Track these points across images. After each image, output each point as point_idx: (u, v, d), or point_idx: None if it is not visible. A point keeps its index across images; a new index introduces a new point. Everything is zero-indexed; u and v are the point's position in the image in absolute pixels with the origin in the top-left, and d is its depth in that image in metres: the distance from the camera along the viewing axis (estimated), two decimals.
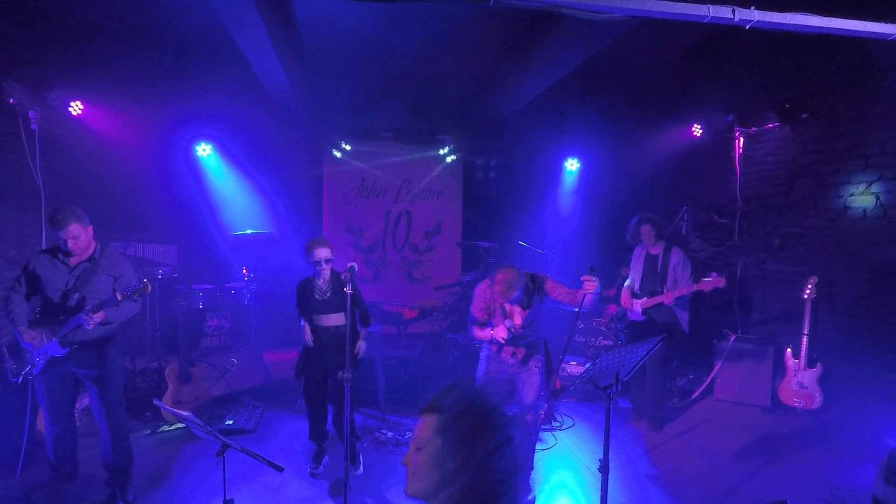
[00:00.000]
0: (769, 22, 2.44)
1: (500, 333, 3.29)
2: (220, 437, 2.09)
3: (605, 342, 5.71)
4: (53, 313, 3.12)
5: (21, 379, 3.10)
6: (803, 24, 2.44)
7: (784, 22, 2.44)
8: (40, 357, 3.09)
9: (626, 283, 4.87)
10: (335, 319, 3.72)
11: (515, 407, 3.44)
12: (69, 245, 3.07)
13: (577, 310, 3.08)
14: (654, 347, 2.50)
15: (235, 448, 2.10)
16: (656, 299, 4.48)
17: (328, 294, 3.71)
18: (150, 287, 3.12)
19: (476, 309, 3.50)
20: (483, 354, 3.62)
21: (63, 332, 3.06)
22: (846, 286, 4.73)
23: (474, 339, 3.54)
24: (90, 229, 3.19)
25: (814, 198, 5.03)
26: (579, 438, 4.47)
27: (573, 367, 5.70)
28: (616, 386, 2.40)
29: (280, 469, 2.04)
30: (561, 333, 6.17)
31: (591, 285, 3.08)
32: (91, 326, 2.99)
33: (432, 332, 5.67)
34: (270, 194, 6.78)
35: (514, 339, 3.40)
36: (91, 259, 3.21)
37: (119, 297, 3.02)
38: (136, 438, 4.24)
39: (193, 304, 5.72)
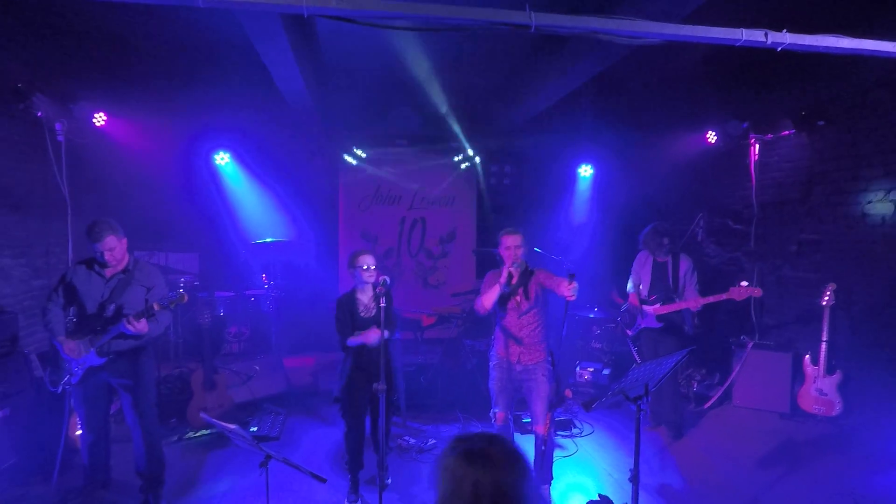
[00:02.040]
0: (801, 45, 2.47)
1: (503, 276, 3.40)
2: (264, 449, 2.15)
3: (622, 348, 5.74)
4: (90, 324, 3.20)
5: (60, 389, 3.18)
6: (835, 45, 2.47)
7: (815, 45, 2.47)
8: (78, 367, 3.16)
9: (629, 287, 4.89)
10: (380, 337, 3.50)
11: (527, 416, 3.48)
12: (105, 256, 3.15)
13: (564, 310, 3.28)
14: (682, 359, 2.54)
15: (278, 459, 2.16)
16: (677, 305, 4.49)
17: (373, 311, 3.52)
18: (186, 297, 3.21)
19: (483, 289, 3.58)
20: (492, 364, 3.65)
21: (102, 342, 3.13)
22: (865, 293, 4.74)
23: (483, 308, 3.53)
24: (125, 241, 3.28)
25: (831, 205, 5.04)
26: (599, 445, 4.50)
27: (589, 374, 5.74)
28: (646, 397, 2.44)
29: (323, 480, 2.09)
30: (568, 341, 6.19)
31: (568, 290, 3.18)
32: (134, 331, 3.07)
33: (450, 339, 5.71)
34: (287, 202, 6.86)
35: (519, 340, 3.49)
36: (126, 271, 3.29)
37: (157, 308, 3.10)
38: (163, 445, 4.30)
39: (215, 311, 5.80)
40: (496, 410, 3.59)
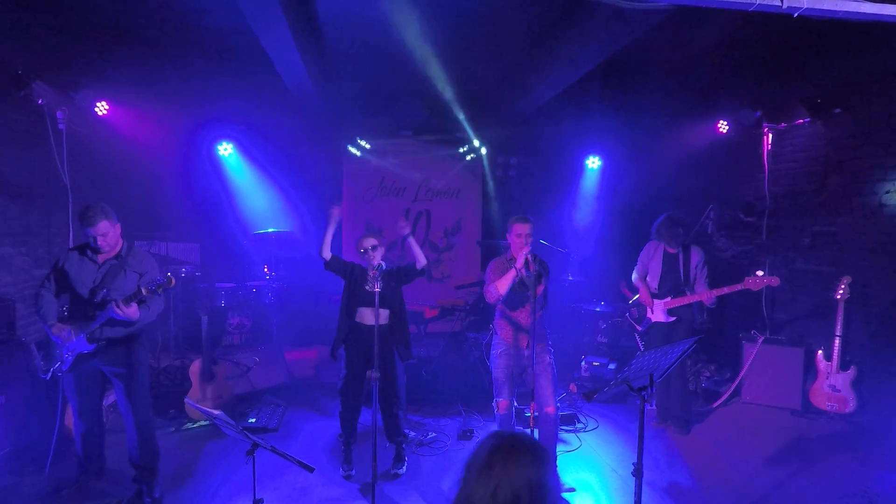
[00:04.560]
0: (819, 9, 2.33)
1: (520, 261, 3.41)
2: (250, 436, 2.08)
3: (628, 343, 5.62)
4: (82, 310, 3.16)
5: (50, 375, 3.14)
6: (855, 10, 2.33)
7: (835, 9, 2.33)
8: (69, 353, 3.12)
9: (634, 278, 4.77)
10: (383, 316, 3.61)
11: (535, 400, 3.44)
12: (98, 242, 3.12)
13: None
14: (689, 349, 2.43)
15: (265, 447, 2.09)
16: (689, 298, 4.36)
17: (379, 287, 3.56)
18: (173, 281, 3.15)
19: (492, 277, 3.58)
20: (497, 351, 3.64)
21: (92, 327, 3.09)
22: (882, 286, 4.58)
23: (497, 294, 3.52)
24: (118, 227, 3.23)
25: (847, 195, 4.88)
26: (604, 440, 4.39)
27: (595, 368, 5.62)
28: (651, 388, 2.34)
29: (311, 469, 2.02)
30: (573, 335, 6.09)
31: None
32: (123, 316, 3.02)
33: (453, 332, 5.63)
34: (291, 193, 6.80)
35: (528, 326, 3.48)
36: (118, 256, 3.25)
37: (144, 292, 3.05)
38: (161, 436, 4.25)
39: (216, 302, 5.76)
40: (500, 399, 3.59)
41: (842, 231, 4.94)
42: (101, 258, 3.21)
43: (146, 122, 5.80)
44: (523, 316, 3.59)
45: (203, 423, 4.47)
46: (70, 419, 3.67)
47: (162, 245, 5.84)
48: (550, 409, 3.46)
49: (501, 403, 3.59)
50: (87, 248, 3.22)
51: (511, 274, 3.45)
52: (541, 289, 3.52)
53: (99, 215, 3.08)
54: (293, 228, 6.62)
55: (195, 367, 4.53)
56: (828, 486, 3.60)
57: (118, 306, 2.99)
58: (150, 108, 5.82)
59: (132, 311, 3.04)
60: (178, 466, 3.79)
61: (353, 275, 3.68)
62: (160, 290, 3.11)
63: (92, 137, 5.49)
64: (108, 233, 3.13)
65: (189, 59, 5.82)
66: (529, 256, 3.48)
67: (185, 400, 2.30)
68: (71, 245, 4.94)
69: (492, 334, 3.81)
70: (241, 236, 6.37)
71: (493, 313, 3.81)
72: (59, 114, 4.82)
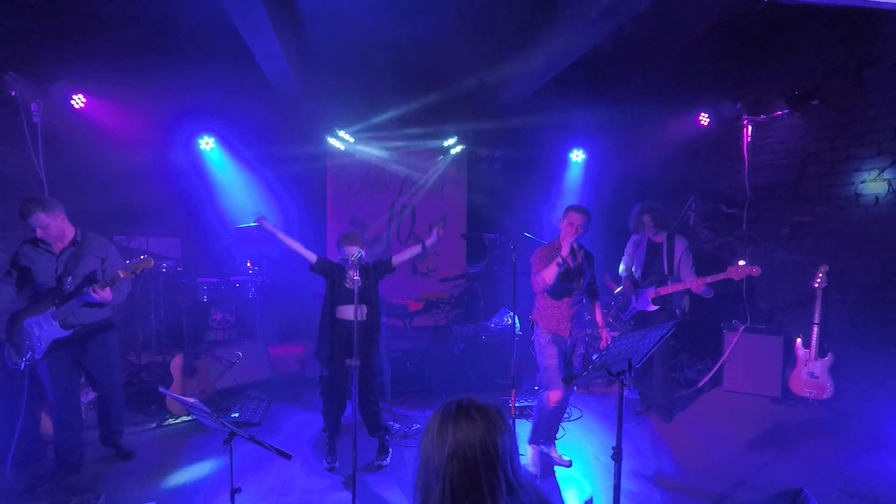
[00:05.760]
0: None
1: (565, 249, 3.42)
2: (227, 424, 2.06)
3: (613, 333, 5.65)
4: (50, 297, 3.18)
5: (23, 365, 3.12)
6: None
7: None
8: (41, 342, 3.12)
9: (621, 270, 4.81)
10: (362, 312, 3.62)
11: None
12: (38, 234, 3.13)
13: None
14: (667, 333, 2.45)
15: (242, 436, 2.07)
16: (676, 286, 4.40)
17: (358, 283, 3.60)
18: (152, 262, 3.22)
19: (538, 266, 3.56)
20: (545, 340, 3.56)
21: (66, 314, 3.13)
22: (858, 274, 4.67)
23: (543, 284, 3.47)
24: (60, 215, 3.23)
25: (824, 186, 4.96)
26: (587, 429, 4.42)
27: (576, 359, 5.65)
28: (629, 372, 2.35)
29: (288, 457, 2.00)
30: None
31: None
32: (99, 299, 3.11)
33: (438, 325, 5.62)
34: (275, 187, 6.73)
35: (571, 315, 3.58)
36: (74, 243, 3.29)
37: (122, 274, 3.12)
38: (142, 432, 4.24)
39: (198, 297, 5.68)
40: (554, 390, 3.47)
41: (819, 221, 5.02)
42: (56, 248, 3.24)
43: (125, 115, 5.69)
44: (566, 305, 3.57)
45: (185, 418, 4.42)
46: (48, 423, 3.68)
47: (141, 240, 5.76)
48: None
49: (554, 395, 3.48)
50: (38, 240, 3.22)
51: (556, 262, 3.41)
52: (585, 279, 3.58)
53: (34, 206, 3.07)
54: (277, 222, 6.54)
55: (177, 363, 4.48)
56: (806, 469, 3.66)
57: (95, 291, 3.07)
58: (128, 101, 5.72)
59: (107, 293, 3.13)
60: (159, 461, 3.74)
61: (333, 273, 3.67)
62: (139, 271, 3.18)
63: (69, 131, 5.38)
64: (47, 224, 3.12)
65: (169, 51, 5.73)
66: (575, 245, 3.47)
67: (161, 389, 2.27)
68: None
69: (532, 324, 3.71)
70: (224, 230, 6.28)
71: (533, 303, 3.73)
72: (33, 106, 4.72)
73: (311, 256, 3.65)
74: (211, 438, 4.06)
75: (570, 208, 3.55)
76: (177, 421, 4.40)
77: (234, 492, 2.11)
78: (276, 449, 2.00)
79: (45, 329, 3.12)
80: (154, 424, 4.34)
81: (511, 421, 3.20)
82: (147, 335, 5.83)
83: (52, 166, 4.90)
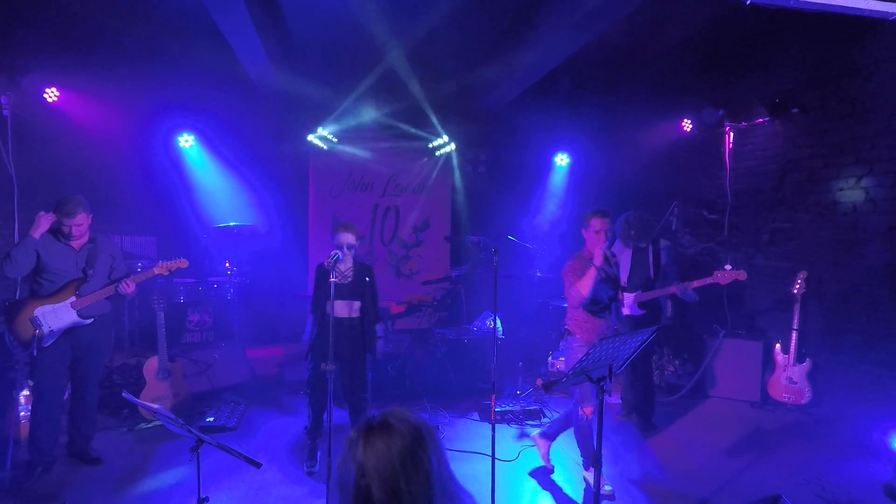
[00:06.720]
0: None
1: (598, 259, 3.27)
2: (194, 431, 1.98)
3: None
4: (70, 289, 3.42)
5: (35, 352, 3.26)
6: (805, 0, 2.37)
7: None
8: (52, 331, 3.32)
9: None
10: (355, 308, 3.63)
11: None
12: (73, 231, 3.38)
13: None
14: (648, 338, 2.43)
15: (211, 443, 1.99)
16: (663, 291, 4.39)
17: (349, 279, 3.58)
18: (186, 263, 3.77)
19: (571, 279, 3.39)
20: (575, 345, 3.42)
21: (87, 304, 3.42)
22: (836, 281, 4.72)
23: (580, 297, 3.28)
24: (90, 217, 3.52)
25: (803, 193, 5.02)
26: (569, 434, 4.37)
27: (561, 363, 5.63)
28: (610, 378, 2.33)
29: (258, 465, 1.93)
30: (541, 331, 6.08)
31: None
32: (128, 292, 3.51)
33: (420, 328, 5.56)
34: (256, 186, 6.61)
35: (599, 324, 3.45)
36: (92, 241, 3.55)
37: (157, 271, 3.64)
38: (114, 436, 4.11)
39: (175, 298, 5.55)
40: (590, 404, 3.28)
41: (798, 227, 5.07)
42: (75, 244, 3.47)
43: (100, 110, 5.56)
44: (604, 315, 3.41)
45: (157, 422, 4.29)
46: (24, 429, 3.66)
47: (115, 238, 5.59)
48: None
49: (590, 409, 3.29)
50: (59, 233, 3.41)
51: (591, 273, 3.22)
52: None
53: (78, 208, 3.37)
54: (256, 222, 6.43)
55: (150, 365, 4.34)
56: (785, 474, 3.68)
57: (127, 284, 3.47)
58: (104, 96, 5.58)
59: (133, 287, 3.53)
60: (129, 467, 3.62)
61: (320, 272, 3.64)
62: (173, 269, 3.70)
63: (41, 125, 5.24)
64: (83, 223, 3.42)
65: (147, 45, 5.59)
66: (608, 252, 3.32)
67: (124, 394, 2.17)
68: (16, 238, 4.72)
69: (565, 335, 3.53)
70: (201, 230, 6.15)
71: (567, 312, 3.57)
72: (3, 99, 4.63)
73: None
74: (184, 444, 3.94)
75: (590, 214, 3.39)
76: (149, 426, 4.27)
77: (202, 501, 2.02)
78: (246, 457, 1.92)
79: (61, 318, 3.35)
80: (125, 429, 4.22)
81: (491, 426, 3.14)
82: (120, 337, 5.65)
83: (22, 161, 4.75)
